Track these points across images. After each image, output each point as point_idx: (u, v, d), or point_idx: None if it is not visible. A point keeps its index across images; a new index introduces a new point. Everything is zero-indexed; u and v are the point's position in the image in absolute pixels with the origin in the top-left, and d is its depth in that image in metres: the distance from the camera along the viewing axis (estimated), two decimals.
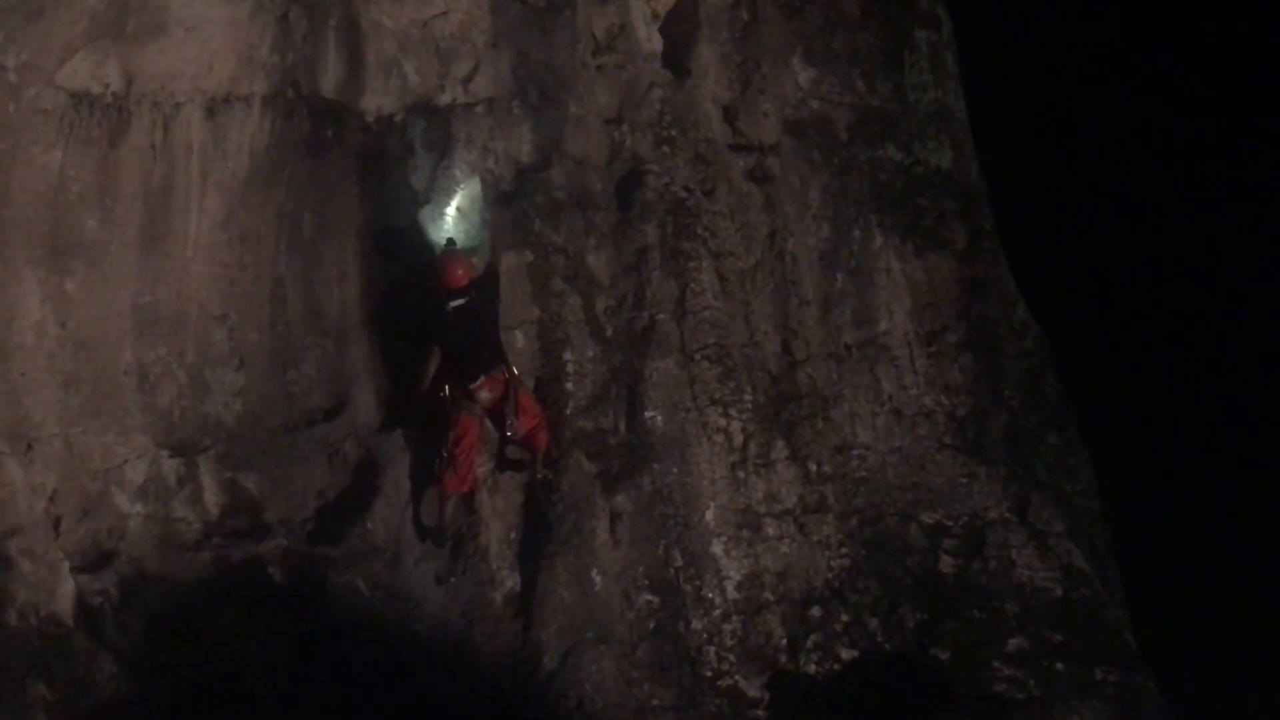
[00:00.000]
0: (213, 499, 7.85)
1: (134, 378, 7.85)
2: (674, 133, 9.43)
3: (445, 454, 7.96)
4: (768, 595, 8.58)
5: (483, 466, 8.27)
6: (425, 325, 8.20)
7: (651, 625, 8.20)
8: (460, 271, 8.16)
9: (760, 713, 8.17)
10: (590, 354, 8.73)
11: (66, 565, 7.30)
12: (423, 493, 8.14)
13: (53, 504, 7.43)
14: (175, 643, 7.28)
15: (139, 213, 7.86)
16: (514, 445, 8.34)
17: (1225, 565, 11.99)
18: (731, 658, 8.28)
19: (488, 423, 8.26)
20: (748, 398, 9.04)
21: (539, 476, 8.31)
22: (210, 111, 8.02)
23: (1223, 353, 13.20)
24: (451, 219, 8.56)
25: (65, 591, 7.24)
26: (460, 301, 8.07)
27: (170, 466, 7.79)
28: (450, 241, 8.41)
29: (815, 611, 8.67)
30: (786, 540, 8.81)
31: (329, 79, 8.40)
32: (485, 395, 8.08)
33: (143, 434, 7.79)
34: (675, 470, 8.58)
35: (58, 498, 7.45)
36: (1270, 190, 13.42)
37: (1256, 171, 13.51)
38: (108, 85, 7.68)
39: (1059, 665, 8.68)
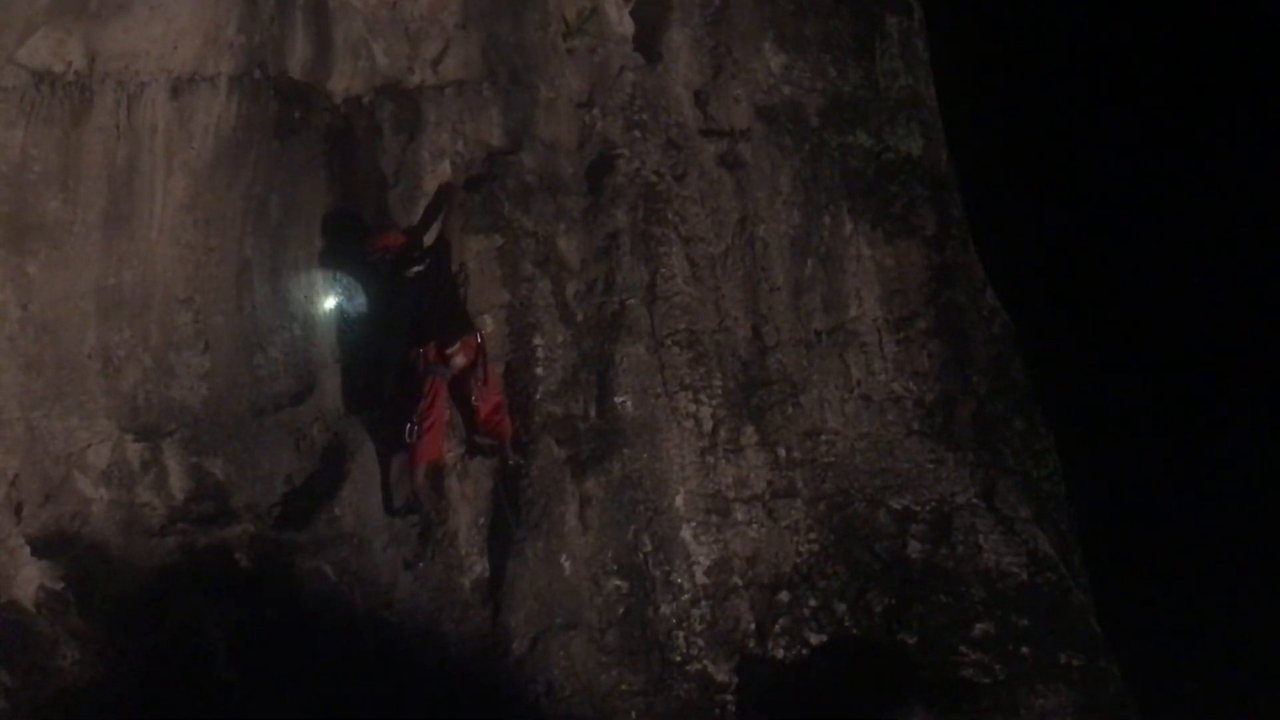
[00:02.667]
0: (178, 484, 7.77)
1: (98, 361, 7.74)
2: (645, 117, 9.40)
3: (415, 422, 7.91)
4: (736, 580, 8.60)
5: (451, 451, 8.24)
6: (386, 303, 8.22)
7: (620, 610, 8.21)
8: (394, 234, 8.25)
9: (728, 697, 8.19)
10: (560, 339, 8.70)
11: (28, 550, 7.20)
12: (391, 467, 8.11)
13: (14, 488, 7.32)
14: (139, 629, 7.20)
15: (102, 194, 7.75)
16: (480, 432, 8.31)
17: (1189, 550, 12.14)
18: (700, 642, 8.29)
19: (451, 404, 8.22)
20: (718, 383, 9.04)
21: (510, 463, 8.28)
22: (175, 92, 7.90)
23: (1187, 339, 13.34)
24: None
25: (27, 577, 7.14)
26: (419, 269, 8.09)
27: (134, 451, 7.70)
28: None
29: (783, 596, 8.70)
30: (755, 525, 8.83)
31: (296, 60, 8.30)
32: (460, 361, 8.04)
33: (106, 418, 7.70)
34: (645, 455, 8.57)
35: (19, 482, 7.35)
36: (1237, 179, 13.56)
37: (1224, 160, 13.64)
38: (70, 63, 7.55)
39: (1024, 649, 8.75)
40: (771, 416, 9.22)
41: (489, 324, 8.55)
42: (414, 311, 8.11)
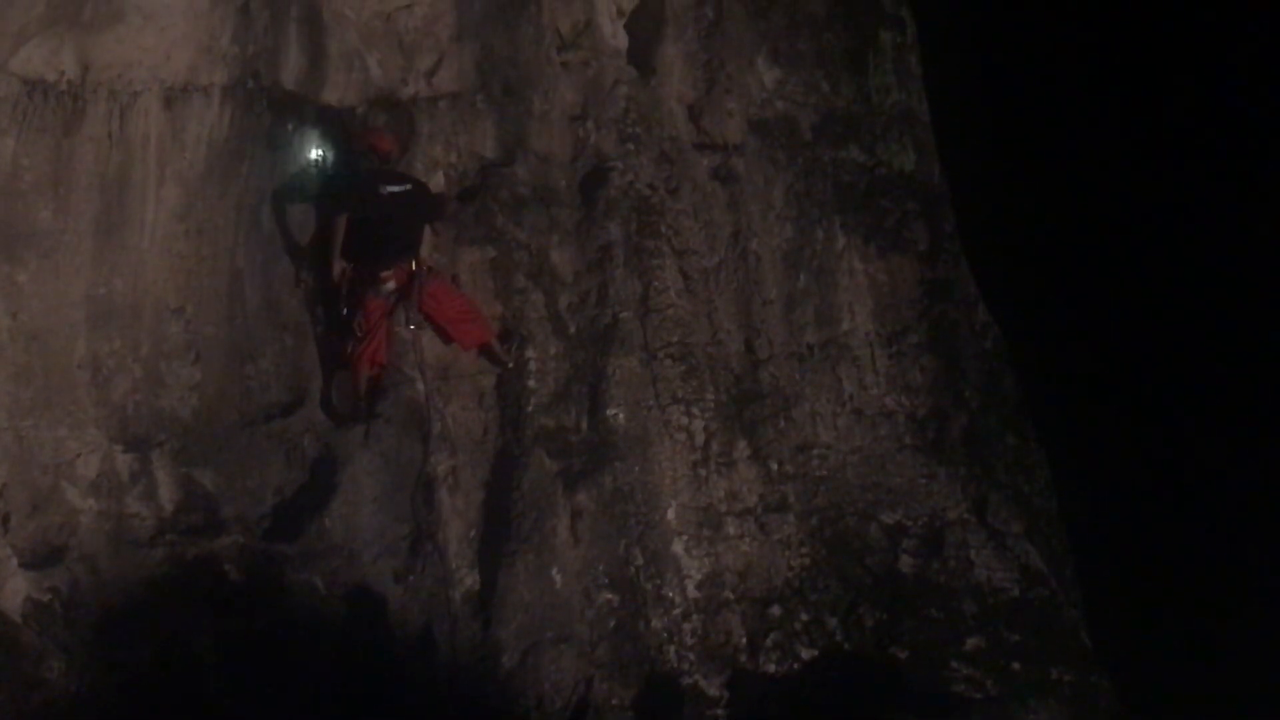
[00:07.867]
0: (167, 495, 7.74)
1: (87, 371, 7.72)
2: (639, 130, 9.41)
3: (356, 334, 8.05)
4: (728, 594, 8.58)
5: (446, 463, 8.22)
6: (343, 197, 8.22)
7: (611, 624, 8.18)
8: (387, 142, 8.31)
9: (719, 711, 8.16)
10: (553, 351, 8.70)
11: (15, 561, 7.17)
12: (334, 382, 8.21)
13: (2, 499, 7.30)
14: (127, 641, 7.17)
15: (94, 203, 7.74)
16: (459, 344, 8.43)
17: (1180, 565, 12.13)
18: (691, 656, 8.27)
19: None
20: (710, 396, 9.03)
21: (508, 365, 8.45)
22: (168, 101, 7.91)
23: (1180, 354, 13.36)
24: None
25: (14, 588, 7.11)
26: (396, 189, 8.17)
27: (124, 461, 7.67)
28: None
29: (775, 610, 8.67)
30: (747, 539, 8.81)
31: (290, 71, 8.31)
32: (390, 285, 8.15)
33: (96, 428, 7.67)
34: (637, 469, 8.56)
35: (7, 492, 7.32)
36: (1231, 196, 13.60)
37: (1218, 177, 13.69)
38: (63, 73, 7.56)
39: (1016, 664, 8.74)
40: (763, 430, 9.22)
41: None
42: (371, 225, 8.12)
